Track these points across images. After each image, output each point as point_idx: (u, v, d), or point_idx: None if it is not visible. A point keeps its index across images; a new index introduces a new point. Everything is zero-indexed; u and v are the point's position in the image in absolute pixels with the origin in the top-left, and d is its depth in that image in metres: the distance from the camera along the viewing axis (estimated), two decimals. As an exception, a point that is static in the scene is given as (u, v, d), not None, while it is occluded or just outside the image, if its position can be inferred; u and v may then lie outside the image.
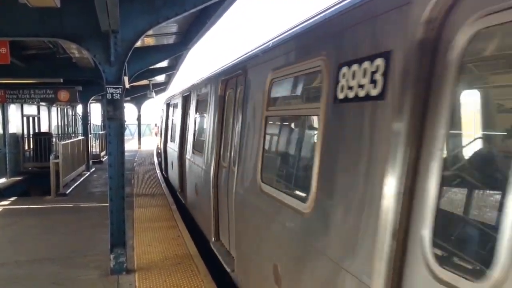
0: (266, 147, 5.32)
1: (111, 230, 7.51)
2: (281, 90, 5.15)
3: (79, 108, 30.26)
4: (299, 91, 4.82)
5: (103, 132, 29.86)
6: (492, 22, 2.14)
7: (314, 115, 4.21)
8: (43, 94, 16.90)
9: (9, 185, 17.25)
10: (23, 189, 17.67)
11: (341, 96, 3.34)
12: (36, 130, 23.07)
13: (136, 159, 26.44)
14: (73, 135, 28.99)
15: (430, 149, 2.42)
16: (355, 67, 3.16)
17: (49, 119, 26.07)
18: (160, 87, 30.81)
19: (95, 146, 27.76)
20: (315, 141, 3.95)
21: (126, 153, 8.03)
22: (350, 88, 3.20)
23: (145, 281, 7.15)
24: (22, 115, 21.44)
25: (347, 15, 3.48)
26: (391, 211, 2.58)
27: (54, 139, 21.63)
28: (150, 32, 8.03)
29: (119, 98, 7.39)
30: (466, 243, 2.53)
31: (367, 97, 2.97)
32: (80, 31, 7.53)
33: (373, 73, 2.91)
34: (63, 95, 16.92)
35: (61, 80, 15.68)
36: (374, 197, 2.78)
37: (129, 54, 7.54)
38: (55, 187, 14.49)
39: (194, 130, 10.68)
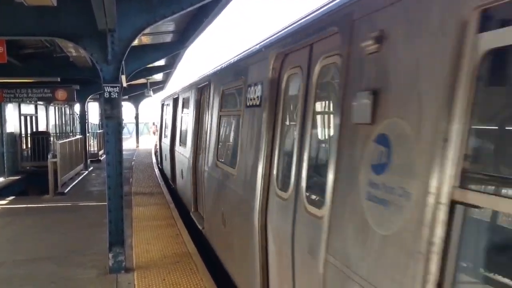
0: (220, 137, 7.75)
1: (110, 229, 7.52)
2: (227, 98, 7.56)
3: (77, 107, 30.26)
4: (234, 99, 7.09)
5: (101, 131, 29.85)
6: (292, 72, 4.54)
7: (239, 115, 6.35)
8: (41, 93, 16.87)
9: (7, 185, 17.22)
10: (21, 188, 17.65)
11: (248, 103, 5.77)
12: (34, 129, 23.04)
13: (134, 158, 26.41)
14: (71, 134, 28.95)
15: (276, 132, 4.84)
16: (253, 87, 5.61)
17: (46, 118, 26.02)
18: (158, 86, 30.78)
19: (93, 145, 27.75)
20: (240, 130, 6.19)
21: (124, 152, 8.03)
22: (251, 99, 5.64)
23: (144, 279, 7.16)
24: (20, 114, 21.40)
25: (250, 58, 6.06)
26: (264, 168, 4.94)
27: (52, 138, 21.58)
28: (147, 30, 8.03)
29: (116, 96, 7.39)
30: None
31: (256, 105, 5.43)
32: (77, 30, 7.52)
33: (257, 92, 5.37)
34: (61, 94, 16.90)
35: (59, 79, 15.66)
36: (260, 159, 5.05)
37: (127, 53, 7.53)
38: (53, 186, 14.48)
39: (181, 127, 13.25)
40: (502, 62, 2.15)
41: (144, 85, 27.20)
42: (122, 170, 7.60)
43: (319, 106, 4.01)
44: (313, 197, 3.84)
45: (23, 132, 21.46)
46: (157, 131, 32.27)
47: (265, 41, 5.63)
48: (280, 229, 4.42)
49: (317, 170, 4.01)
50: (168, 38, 14.46)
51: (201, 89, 10.02)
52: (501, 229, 2.82)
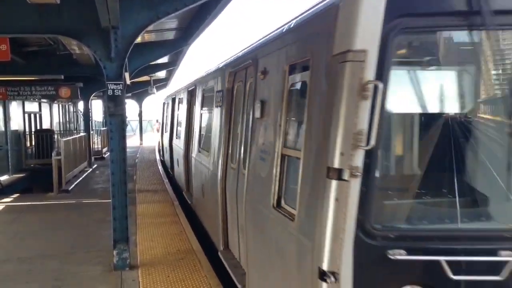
0: (202, 129, 10.00)
1: (114, 226, 7.53)
2: (206, 99, 9.64)
3: (80, 105, 30.33)
4: (210, 100, 8.95)
5: (104, 128, 29.89)
6: (238, 84, 6.86)
7: (211, 112, 8.65)
8: (44, 91, 16.88)
9: (11, 182, 17.29)
10: (25, 186, 17.71)
11: (216, 104, 8.00)
12: (38, 127, 23.09)
13: (138, 155, 26.45)
14: (75, 131, 29.01)
15: (231, 125, 7.07)
16: (219, 93, 7.80)
17: (50, 116, 26.07)
18: (161, 83, 30.79)
19: (96, 143, 27.80)
20: (212, 123, 8.43)
21: (128, 149, 8.04)
22: (218, 101, 7.84)
23: (148, 276, 7.18)
24: (24, 112, 21.45)
25: (218, 71, 8.24)
26: (224, 149, 7.19)
27: (56, 136, 21.64)
28: (151, 27, 8.02)
29: (120, 94, 7.39)
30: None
31: (220, 106, 7.61)
32: (80, 28, 7.52)
33: (220, 96, 7.59)
34: (64, 91, 16.91)
35: (62, 77, 15.68)
36: (222, 143, 7.26)
37: (130, 50, 7.53)
38: (57, 183, 14.53)
39: (177, 123, 15.43)
40: (297, 89, 4.28)
41: (147, 83, 27.21)
42: (126, 168, 7.61)
43: (248, 108, 5.98)
44: (245, 164, 5.87)
45: (27, 129, 21.52)
46: (160, 128, 32.40)
47: (225, 61, 8.00)
48: (231, 188, 6.70)
49: (246, 148, 5.94)
50: (171, 35, 14.45)
51: (191, 91, 11.97)
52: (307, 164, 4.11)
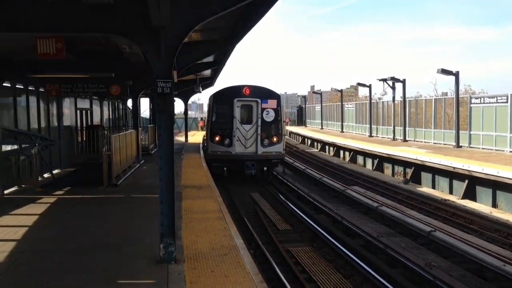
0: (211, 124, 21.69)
1: (161, 220, 7.70)
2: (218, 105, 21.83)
3: (129, 102, 31.13)
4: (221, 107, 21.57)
5: (151, 125, 30.58)
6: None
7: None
8: (96, 88, 17.43)
9: (63, 176, 18.00)
10: (76, 179, 18.33)
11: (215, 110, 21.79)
12: (89, 123, 23.89)
13: (183, 152, 26.97)
14: (123, 128, 29.83)
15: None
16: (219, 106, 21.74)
17: (101, 112, 26.94)
18: (206, 82, 31.20)
19: (144, 139, 28.48)
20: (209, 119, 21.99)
21: (174, 146, 8.20)
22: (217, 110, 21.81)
23: (193, 270, 7.32)
24: (76, 109, 22.27)
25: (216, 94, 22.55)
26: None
27: (105, 132, 22.32)
28: (198, 27, 8.16)
29: (169, 92, 7.56)
30: None
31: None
32: (132, 27, 7.74)
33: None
34: (115, 89, 17.40)
35: (113, 75, 16.13)
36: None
37: (179, 49, 7.67)
38: (107, 178, 14.98)
39: (211, 120, 23.10)
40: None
41: (192, 81, 27.66)
42: (173, 163, 7.78)
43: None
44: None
45: (78, 125, 22.32)
46: (204, 126, 33.29)
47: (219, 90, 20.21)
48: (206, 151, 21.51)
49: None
50: (218, 35, 14.63)
51: (212, 99, 22.04)
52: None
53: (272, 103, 20.99)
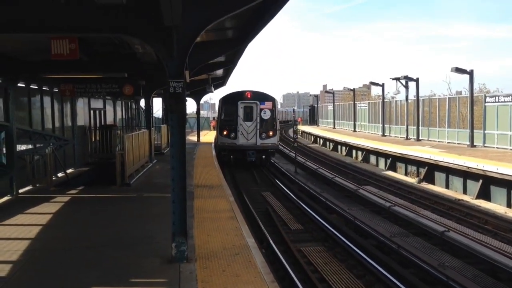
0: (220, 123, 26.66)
1: (173, 220, 7.72)
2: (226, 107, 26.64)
3: (142, 102, 31.30)
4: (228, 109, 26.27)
5: (164, 125, 30.74)
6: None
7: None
8: (109, 88, 17.55)
9: (77, 175, 18.16)
10: (90, 178, 18.51)
11: (224, 111, 26.94)
12: (102, 123, 24.07)
13: (195, 152, 27.09)
14: (136, 127, 30.01)
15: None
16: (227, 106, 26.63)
17: (114, 112, 27.13)
18: (218, 81, 31.25)
19: (156, 139, 28.63)
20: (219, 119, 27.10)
21: (186, 146, 8.23)
22: (225, 110, 26.95)
23: (205, 270, 7.34)
24: (89, 108, 22.46)
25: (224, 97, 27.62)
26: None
27: (118, 131, 22.48)
28: (209, 26, 8.16)
29: (181, 91, 7.59)
30: None
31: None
32: (144, 27, 7.78)
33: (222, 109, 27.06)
34: (128, 89, 17.50)
35: (126, 75, 16.23)
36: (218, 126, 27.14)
37: (191, 49, 7.69)
38: (120, 177, 15.08)
39: (220, 120, 27.71)
40: None
41: (204, 81, 27.74)
42: (185, 163, 7.80)
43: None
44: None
45: (92, 125, 22.50)
46: (216, 125, 34.24)
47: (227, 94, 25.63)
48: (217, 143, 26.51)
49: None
50: (229, 35, 14.64)
51: (221, 101, 26.49)
52: None
53: (269, 104, 25.88)
